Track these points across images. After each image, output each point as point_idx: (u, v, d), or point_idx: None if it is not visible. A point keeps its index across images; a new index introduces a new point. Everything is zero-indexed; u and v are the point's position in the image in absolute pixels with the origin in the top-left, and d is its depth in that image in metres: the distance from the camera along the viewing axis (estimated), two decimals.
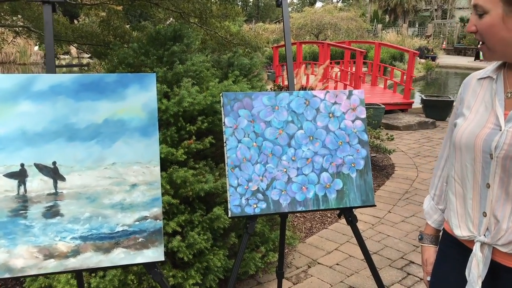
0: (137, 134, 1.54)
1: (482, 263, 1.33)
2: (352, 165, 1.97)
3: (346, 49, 11.20)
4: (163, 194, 2.52)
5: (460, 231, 1.41)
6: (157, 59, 3.07)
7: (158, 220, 1.56)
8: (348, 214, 1.99)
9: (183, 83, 2.63)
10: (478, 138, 1.32)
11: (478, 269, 1.33)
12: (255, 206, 1.86)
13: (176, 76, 2.79)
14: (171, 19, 6.07)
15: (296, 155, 1.92)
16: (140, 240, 1.54)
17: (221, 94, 1.88)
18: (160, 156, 2.55)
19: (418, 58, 17.52)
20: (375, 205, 2.00)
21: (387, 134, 6.07)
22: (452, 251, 1.49)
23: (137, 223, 1.54)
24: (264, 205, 1.87)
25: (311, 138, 1.94)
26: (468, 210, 1.38)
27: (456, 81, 17.82)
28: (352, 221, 1.99)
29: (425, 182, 5.34)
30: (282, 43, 16.03)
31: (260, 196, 1.87)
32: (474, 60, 21.57)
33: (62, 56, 24.84)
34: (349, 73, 10.84)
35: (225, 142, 1.86)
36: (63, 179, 1.49)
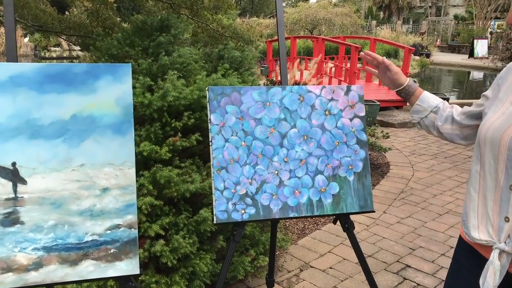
0: (110, 132, 1.37)
1: (498, 272, 1.19)
2: (350, 167, 1.81)
3: (341, 44, 11.04)
4: (145, 195, 2.34)
5: (478, 234, 1.25)
6: (142, 50, 2.89)
7: (132, 229, 1.38)
8: (344, 221, 1.83)
9: (168, 76, 2.45)
10: (505, 134, 1.16)
11: (494, 278, 1.19)
12: (243, 211, 1.69)
13: (162, 68, 2.61)
14: (163, 12, 5.87)
15: (288, 156, 1.75)
16: (112, 251, 1.36)
17: (206, 88, 1.71)
18: (143, 154, 2.38)
19: (413, 55, 17.42)
20: (374, 211, 1.84)
21: (382, 131, 5.93)
22: (467, 261, 1.35)
23: (108, 232, 1.36)
24: (253, 211, 1.70)
25: (305, 137, 1.77)
26: (488, 211, 1.22)
27: (450, 78, 17.74)
28: (348, 228, 1.83)
29: (421, 182, 5.21)
30: (276, 37, 15.82)
31: (248, 200, 1.70)
32: (468, 57, 21.50)
33: (53, 48, 24.41)
34: (343, 68, 10.68)
35: (211, 141, 1.69)
36: (24, 182, 1.31)
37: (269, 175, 1.73)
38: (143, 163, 2.43)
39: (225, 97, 1.71)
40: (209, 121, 1.69)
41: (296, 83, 6.78)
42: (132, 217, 1.38)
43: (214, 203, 1.67)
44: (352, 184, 1.80)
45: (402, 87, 1.62)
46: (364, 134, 1.83)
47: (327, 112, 1.80)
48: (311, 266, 3.33)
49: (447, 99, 8.86)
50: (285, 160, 1.75)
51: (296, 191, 1.75)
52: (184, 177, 2.43)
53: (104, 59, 2.90)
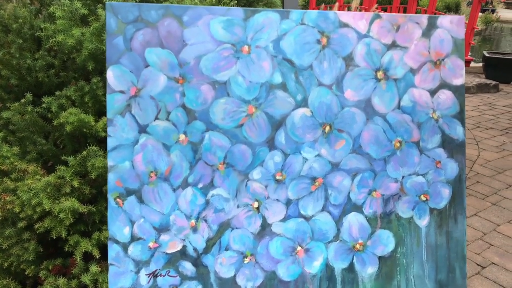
0: None
1: None
2: (423, 198, 0.82)
3: None
4: (66, 195, 1.45)
5: None
6: None
7: None
8: None
9: None
10: None
11: None
12: None
13: None
14: None
15: (286, 169, 0.79)
16: None
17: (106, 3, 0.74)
18: (66, 130, 1.47)
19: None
20: None
21: None
22: None
23: None
24: None
25: (328, 128, 0.80)
26: None
27: None
28: None
29: (489, 165, 4.09)
30: None
31: (187, 266, 0.76)
32: None
33: None
34: None
35: (108, 131, 0.74)
36: None
37: (238, 210, 0.78)
38: (68, 143, 1.52)
39: (145, 29, 0.74)
40: (107, 84, 0.74)
41: None
42: None
43: (109, 270, 0.75)
44: (425, 235, 0.83)
45: None
46: (460, 126, 0.83)
47: (380, 74, 0.80)
48: None
49: None
50: (277, 177, 0.78)
51: (299, 249, 0.79)
52: None
53: None
